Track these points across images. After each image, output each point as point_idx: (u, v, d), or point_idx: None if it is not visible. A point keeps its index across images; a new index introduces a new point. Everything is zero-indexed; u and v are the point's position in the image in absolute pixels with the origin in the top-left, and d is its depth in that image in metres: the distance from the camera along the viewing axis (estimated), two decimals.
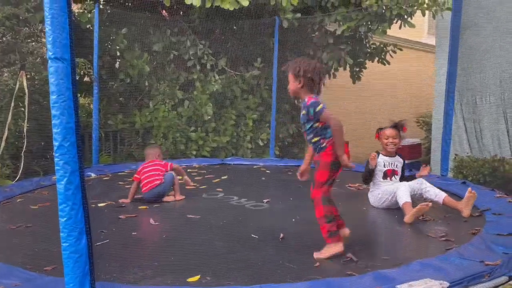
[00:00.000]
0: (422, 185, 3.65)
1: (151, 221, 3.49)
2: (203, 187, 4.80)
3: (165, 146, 6.76)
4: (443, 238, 2.97)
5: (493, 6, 5.64)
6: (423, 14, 6.49)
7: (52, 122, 1.90)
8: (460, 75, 5.42)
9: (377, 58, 7.59)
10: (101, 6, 6.78)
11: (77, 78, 6.80)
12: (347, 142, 2.89)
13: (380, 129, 3.87)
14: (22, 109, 5.36)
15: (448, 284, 2.15)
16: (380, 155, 3.83)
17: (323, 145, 2.74)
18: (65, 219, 1.91)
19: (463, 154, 5.74)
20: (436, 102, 6.56)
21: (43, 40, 5.69)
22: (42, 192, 4.55)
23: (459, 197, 3.84)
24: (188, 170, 5.47)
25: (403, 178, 3.85)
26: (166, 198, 4.16)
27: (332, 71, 7.39)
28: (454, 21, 5.25)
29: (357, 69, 7.72)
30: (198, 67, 7.06)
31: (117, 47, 6.86)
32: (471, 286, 2.20)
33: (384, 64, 7.61)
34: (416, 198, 3.63)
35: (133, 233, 3.21)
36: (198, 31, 7.11)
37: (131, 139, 6.95)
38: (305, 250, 2.79)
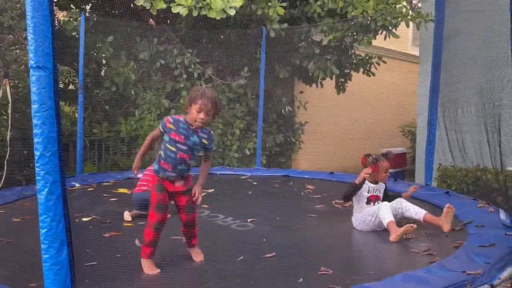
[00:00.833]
0: (402, 204, 3.66)
1: (136, 242, 3.29)
2: None
3: (148, 156, 6.70)
4: (426, 253, 2.97)
5: (475, 18, 5.76)
6: (407, 25, 6.62)
7: (34, 131, 1.88)
8: (443, 86, 5.51)
9: (362, 69, 7.68)
10: (87, 14, 6.75)
11: (62, 86, 6.70)
12: None
13: (377, 160, 3.77)
14: (5, 117, 5.28)
15: None
16: (366, 180, 3.81)
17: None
18: (45, 230, 1.88)
19: (447, 163, 5.82)
20: (420, 112, 6.66)
21: (27, 47, 5.64)
22: (25, 204, 4.45)
23: (442, 208, 3.88)
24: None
25: (387, 198, 3.85)
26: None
27: (319, 80, 7.46)
28: (437, 33, 5.35)
29: (343, 80, 7.81)
30: (184, 76, 7.06)
31: (103, 55, 6.83)
32: None
33: (369, 76, 7.71)
34: (398, 219, 3.63)
35: (117, 255, 3.03)
36: (185, 39, 7.12)
37: (116, 148, 6.89)
38: (289, 266, 2.78)
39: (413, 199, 4.08)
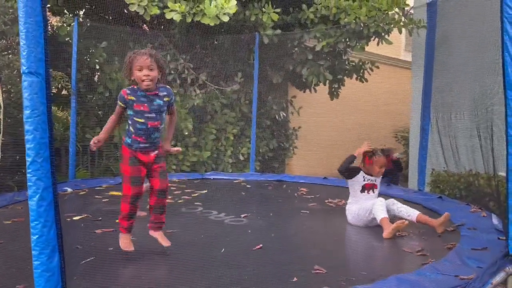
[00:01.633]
0: (394, 205, 3.69)
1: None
2: (181, 201, 4.75)
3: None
4: (419, 253, 3.00)
5: (466, 23, 5.82)
6: (400, 32, 6.66)
7: (25, 137, 1.86)
8: (436, 91, 5.55)
9: (355, 75, 7.72)
10: (80, 19, 6.73)
11: (54, 91, 6.67)
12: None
13: (372, 153, 3.83)
14: None
15: None
16: (361, 171, 3.84)
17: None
18: (37, 236, 1.86)
19: (440, 168, 5.84)
20: (413, 118, 6.69)
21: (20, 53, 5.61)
22: (16, 207, 4.42)
23: (435, 212, 3.91)
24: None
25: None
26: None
27: (313, 86, 7.48)
28: (428, 39, 5.40)
29: (336, 86, 7.84)
30: (178, 81, 7.05)
31: (96, 61, 6.81)
32: None
33: (362, 82, 7.74)
34: (390, 217, 3.66)
35: (109, 248, 3.13)
36: (178, 45, 7.12)
37: (110, 153, 6.86)
38: (283, 265, 2.78)
39: (406, 202, 4.10)
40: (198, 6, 5.65)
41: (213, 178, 6.43)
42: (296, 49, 7.37)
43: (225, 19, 5.67)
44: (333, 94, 7.87)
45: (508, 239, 2.69)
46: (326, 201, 4.73)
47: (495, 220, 3.64)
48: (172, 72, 7.00)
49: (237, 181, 6.27)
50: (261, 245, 3.13)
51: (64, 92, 6.57)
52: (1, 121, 5.16)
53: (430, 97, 5.39)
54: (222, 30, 6.71)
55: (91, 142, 2.79)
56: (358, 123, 10.07)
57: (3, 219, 3.94)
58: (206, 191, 5.35)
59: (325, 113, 9.06)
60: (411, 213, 3.61)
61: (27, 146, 1.86)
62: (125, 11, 6.86)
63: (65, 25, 6.46)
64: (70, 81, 6.07)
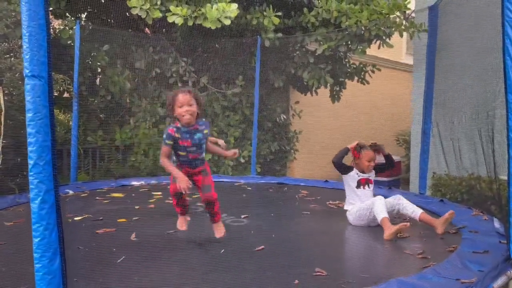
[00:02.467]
0: (399, 201, 3.70)
1: (133, 236, 3.42)
2: None
3: (144, 164, 6.70)
4: (420, 256, 2.99)
5: (468, 27, 5.83)
6: (401, 35, 6.67)
7: (28, 140, 1.87)
8: (437, 95, 5.56)
9: (356, 78, 7.73)
10: (82, 23, 6.76)
11: (56, 94, 6.71)
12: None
13: (361, 147, 3.91)
14: None
15: None
16: (354, 168, 3.89)
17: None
18: (38, 239, 1.86)
19: (441, 172, 5.84)
20: (414, 121, 6.69)
21: (22, 55, 5.64)
22: (18, 209, 4.43)
23: (436, 215, 3.90)
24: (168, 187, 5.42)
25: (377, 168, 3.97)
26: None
27: (314, 89, 7.49)
28: (430, 42, 5.41)
29: (337, 89, 7.85)
30: (179, 84, 7.07)
31: (98, 64, 6.83)
32: None
33: (364, 84, 7.75)
34: (394, 215, 3.67)
35: (113, 249, 3.13)
36: (180, 48, 7.14)
37: (111, 156, 6.87)
38: (283, 267, 2.77)
39: None
40: (199, 10, 5.67)
41: (214, 181, 6.40)
42: (297, 52, 7.39)
43: (227, 22, 5.68)
44: (335, 97, 7.88)
45: (510, 243, 2.68)
46: (327, 203, 4.75)
47: (496, 224, 3.63)
48: (174, 75, 7.02)
49: (238, 183, 6.27)
50: (262, 246, 3.14)
51: (66, 94, 6.60)
52: (2, 124, 5.17)
53: (431, 101, 5.39)
54: (224, 34, 6.72)
55: (184, 191, 2.99)
56: (359, 126, 10.07)
57: (4, 221, 3.95)
58: None
59: (327, 116, 9.08)
60: (416, 211, 3.62)
61: (29, 149, 1.87)
62: (127, 14, 6.89)
63: (67, 28, 6.49)
64: (72, 84, 6.09)
